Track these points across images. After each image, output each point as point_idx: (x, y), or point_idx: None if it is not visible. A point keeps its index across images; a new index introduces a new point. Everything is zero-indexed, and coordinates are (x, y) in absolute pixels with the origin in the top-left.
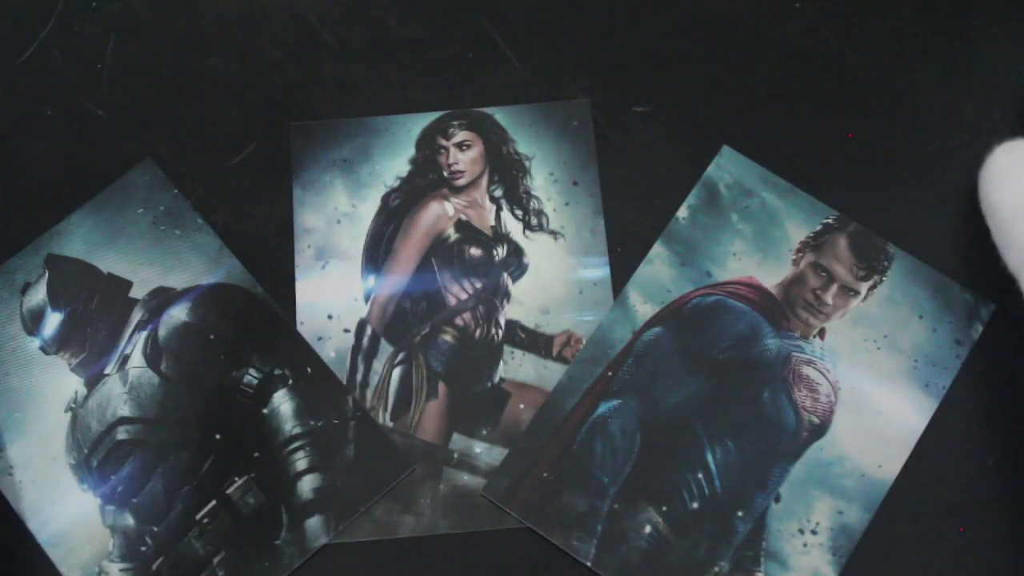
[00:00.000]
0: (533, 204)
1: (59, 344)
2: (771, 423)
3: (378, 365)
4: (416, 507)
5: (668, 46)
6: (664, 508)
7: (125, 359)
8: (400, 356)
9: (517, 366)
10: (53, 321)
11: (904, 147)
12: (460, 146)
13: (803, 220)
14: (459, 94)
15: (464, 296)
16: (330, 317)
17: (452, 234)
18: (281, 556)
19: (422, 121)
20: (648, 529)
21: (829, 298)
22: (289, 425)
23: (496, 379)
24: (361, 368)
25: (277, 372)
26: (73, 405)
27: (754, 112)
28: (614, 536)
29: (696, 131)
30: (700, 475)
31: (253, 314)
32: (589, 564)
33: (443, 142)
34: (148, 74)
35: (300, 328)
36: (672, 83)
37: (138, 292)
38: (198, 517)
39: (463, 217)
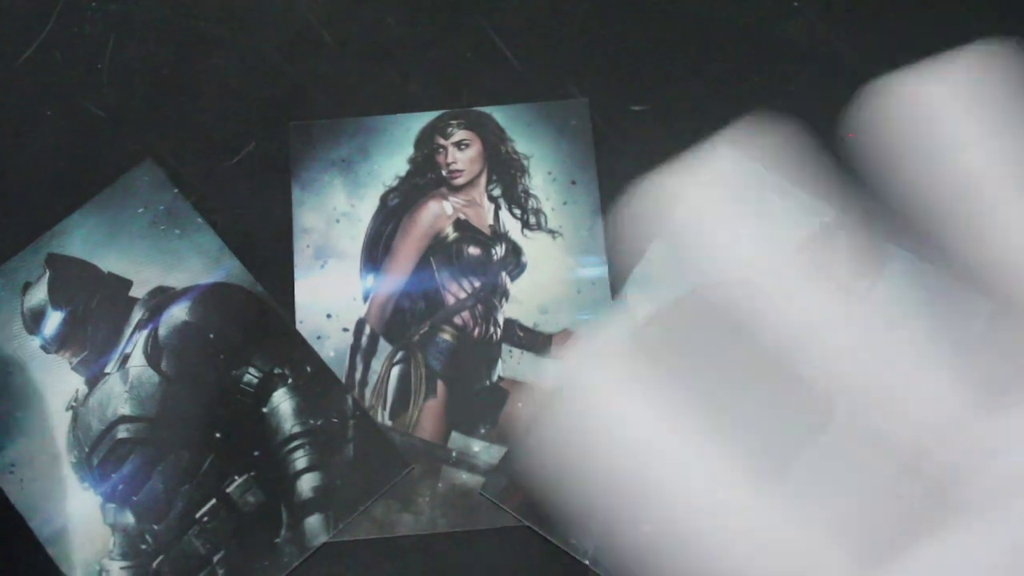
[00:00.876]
0: (531, 203)
1: (60, 343)
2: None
3: (377, 364)
4: (414, 506)
5: (665, 45)
6: None
7: (126, 358)
8: (399, 355)
9: (516, 365)
10: (54, 320)
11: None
12: (458, 145)
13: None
14: (458, 93)
15: (463, 295)
16: (329, 316)
17: (451, 233)
18: (281, 555)
19: (420, 120)
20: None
21: None
22: (289, 424)
23: (495, 378)
24: (360, 367)
25: (277, 371)
26: (74, 404)
27: (752, 111)
28: (611, 535)
29: (694, 130)
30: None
31: (253, 313)
32: (587, 563)
33: (441, 141)
34: (148, 74)
35: (299, 327)
36: (670, 82)
37: (138, 291)
38: (198, 515)
39: (461, 216)
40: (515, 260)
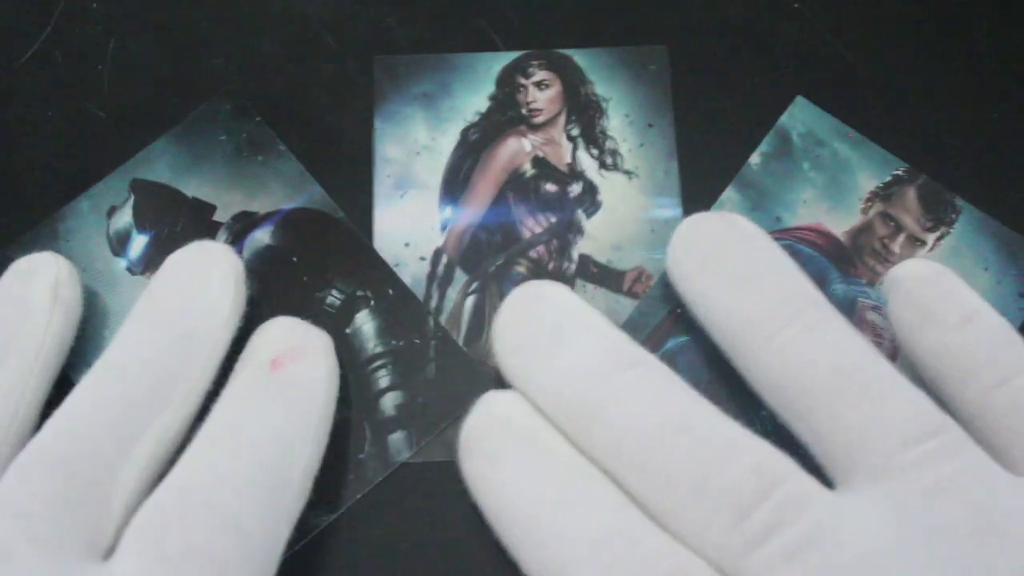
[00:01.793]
0: (608, 144)
1: (145, 265)
2: None
3: (452, 293)
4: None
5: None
6: None
7: None
8: (474, 285)
9: (589, 299)
10: (139, 243)
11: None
12: (539, 85)
13: (873, 171)
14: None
15: (539, 230)
16: (407, 245)
17: (529, 170)
18: (365, 470)
19: (503, 60)
20: None
21: (896, 247)
22: (372, 344)
23: None
24: (436, 295)
25: (359, 293)
26: None
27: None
28: None
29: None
30: (764, 412)
31: (334, 238)
32: None
33: (522, 80)
34: (149, 75)
35: None
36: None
37: (222, 216)
38: None
39: (540, 154)
40: (591, 198)
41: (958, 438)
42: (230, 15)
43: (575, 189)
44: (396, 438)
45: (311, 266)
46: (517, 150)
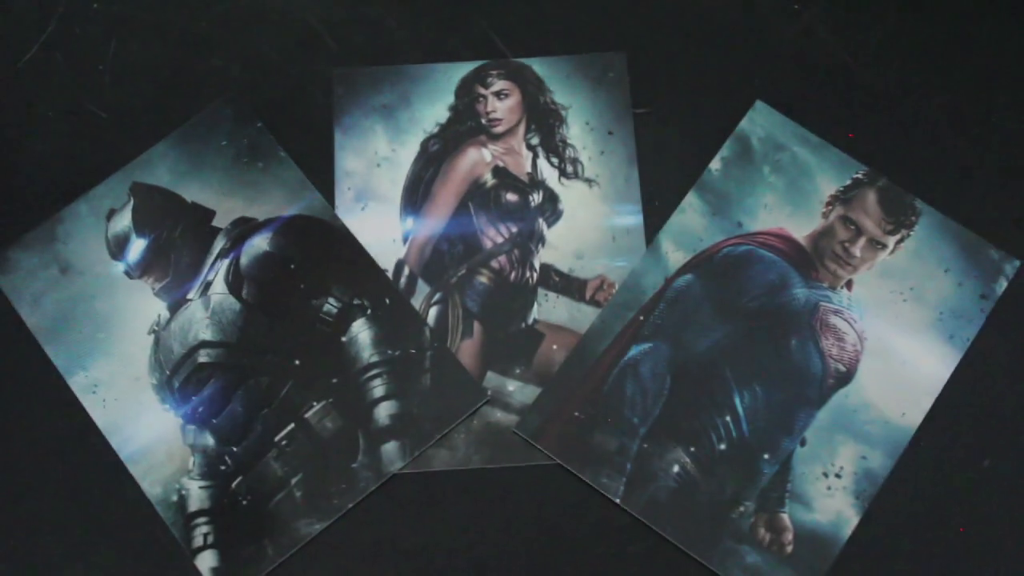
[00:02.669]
0: (569, 152)
1: (143, 269)
2: (798, 370)
3: (415, 304)
4: (450, 441)
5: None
6: (692, 449)
7: (207, 285)
8: (437, 296)
9: (551, 308)
10: (138, 247)
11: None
12: (498, 95)
13: (833, 175)
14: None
15: (500, 239)
16: None
17: (489, 179)
18: (357, 479)
19: (462, 70)
20: (676, 469)
21: (857, 250)
22: (367, 353)
23: (530, 320)
24: None
25: (356, 302)
26: (156, 328)
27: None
28: (643, 475)
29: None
30: (728, 418)
31: (333, 246)
32: (618, 501)
33: (481, 90)
34: (149, 76)
35: None
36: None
37: (221, 221)
38: (277, 439)
39: (500, 163)
40: (552, 207)
41: None
42: (230, 17)
43: (536, 198)
44: (389, 448)
45: (309, 273)
46: (477, 160)
